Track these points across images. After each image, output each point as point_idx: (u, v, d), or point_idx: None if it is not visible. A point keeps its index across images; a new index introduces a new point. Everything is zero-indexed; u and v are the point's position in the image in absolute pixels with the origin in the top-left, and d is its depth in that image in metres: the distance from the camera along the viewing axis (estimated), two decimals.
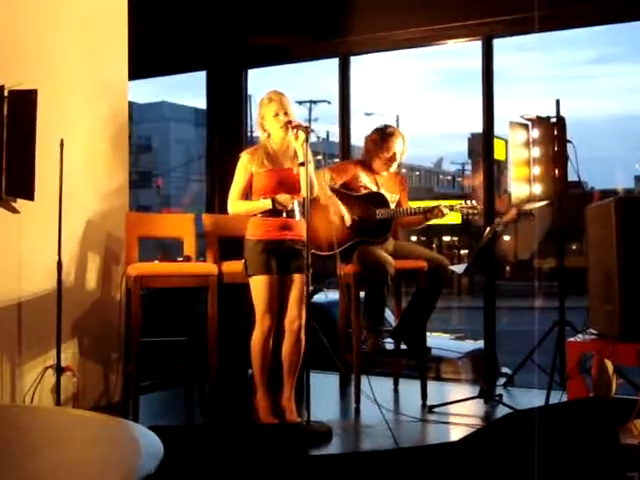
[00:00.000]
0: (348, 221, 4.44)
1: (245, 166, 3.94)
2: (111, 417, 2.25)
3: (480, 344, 6.00)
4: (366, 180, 4.58)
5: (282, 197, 3.84)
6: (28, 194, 3.51)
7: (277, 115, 3.87)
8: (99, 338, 4.42)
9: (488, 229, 4.26)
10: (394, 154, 4.55)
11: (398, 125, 26.99)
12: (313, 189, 3.85)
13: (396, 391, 4.79)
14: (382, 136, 4.56)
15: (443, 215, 4.47)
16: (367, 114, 26.14)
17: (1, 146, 3.43)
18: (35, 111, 3.49)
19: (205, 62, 6.14)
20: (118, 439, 1.99)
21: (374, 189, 4.57)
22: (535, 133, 4.50)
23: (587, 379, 3.89)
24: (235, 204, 3.95)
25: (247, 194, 3.97)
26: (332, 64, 5.67)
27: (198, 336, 4.39)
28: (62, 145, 3.89)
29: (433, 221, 4.57)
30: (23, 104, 3.49)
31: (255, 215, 3.91)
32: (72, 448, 1.93)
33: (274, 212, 3.87)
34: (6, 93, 3.45)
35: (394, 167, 4.63)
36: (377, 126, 4.68)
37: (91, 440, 2.03)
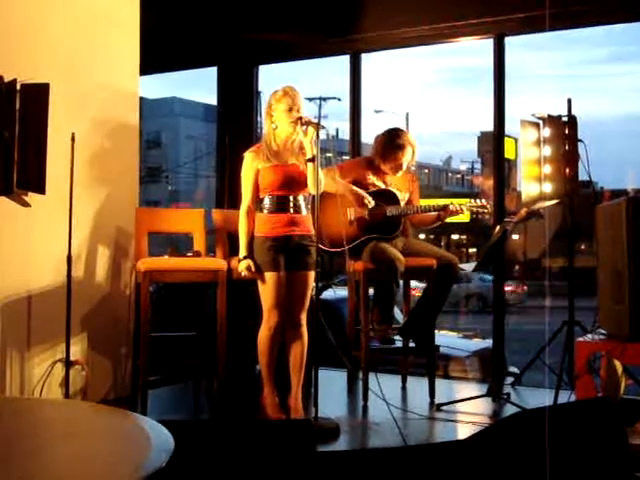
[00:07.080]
0: (370, 203, 4.41)
1: (250, 164, 3.91)
2: (122, 410, 2.25)
3: (488, 343, 6.00)
4: (374, 178, 4.55)
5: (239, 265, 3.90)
6: (39, 188, 3.50)
7: (290, 110, 3.83)
8: (108, 332, 4.43)
9: (498, 228, 4.24)
10: (400, 164, 4.53)
11: (408, 123, 26.97)
12: (321, 185, 3.83)
13: (404, 389, 4.79)
14: (391, 143, 4.51)
15: (460, 213, 4.44)
16: (377, 111, 26.14)
17: (13, 140, 3.42)
18: (47, 105, 3.49)
19: (216, 58, 6.15)
20: (129, 432, 2.00)
21: (382, 187, 4.55)
22: (546, 132, 4.47)
23: (596, 379, 3.89)
24: (242, 217, 3.93)
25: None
26: (343, 61, 5.69)
27: (207, 331, 4.40)
28: (73, 139, 3.91)
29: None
30: (35, 98, 3.48)
31: (262, 211, 3.91)
32: (83, 441, 1.93)
33: (280, 208, 3.87)
34: (18, 87, 3.44)
35: (400, 173, 4.60)
36: (389, 128, 4.63)
37: (102, 433, 2.03)
